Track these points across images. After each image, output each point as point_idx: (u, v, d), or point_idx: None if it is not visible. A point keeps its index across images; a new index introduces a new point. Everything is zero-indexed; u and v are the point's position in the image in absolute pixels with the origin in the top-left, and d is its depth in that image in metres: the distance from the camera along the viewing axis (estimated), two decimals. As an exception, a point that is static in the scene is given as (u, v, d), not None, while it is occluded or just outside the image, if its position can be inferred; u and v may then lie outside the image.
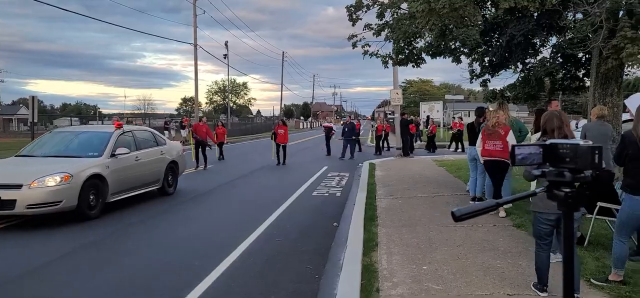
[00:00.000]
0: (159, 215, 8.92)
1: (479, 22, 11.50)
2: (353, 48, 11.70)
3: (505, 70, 12.99)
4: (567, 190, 1.04)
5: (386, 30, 11.34)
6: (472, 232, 6.67)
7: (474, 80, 13.73)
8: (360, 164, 17.05)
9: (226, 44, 47.43)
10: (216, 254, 6.19)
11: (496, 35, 12.46)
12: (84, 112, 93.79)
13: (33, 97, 19.72)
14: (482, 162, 8.10)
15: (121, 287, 5.18)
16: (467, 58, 13.26)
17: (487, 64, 13.01)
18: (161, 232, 7.71)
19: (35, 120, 20.04)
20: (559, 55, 11.75)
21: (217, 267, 5.72)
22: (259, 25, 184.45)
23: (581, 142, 0.98)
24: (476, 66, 13.43)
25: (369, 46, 11.87)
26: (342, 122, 31.92)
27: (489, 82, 13.59)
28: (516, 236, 6.52)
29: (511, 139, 7.64)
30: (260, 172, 15.89)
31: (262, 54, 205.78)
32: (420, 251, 5.92)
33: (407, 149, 20.14)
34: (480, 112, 9.27)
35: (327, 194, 11.21)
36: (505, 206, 7.88)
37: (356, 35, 11.68)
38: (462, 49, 12.32)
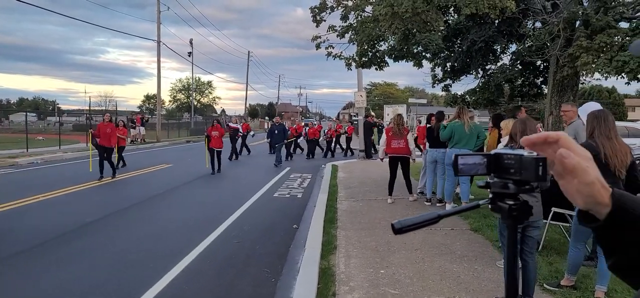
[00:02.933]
0: (112, 215, 8.61)
1: (442, 28, 11.65)
2: (317, 49, 11.67)
3: (466, 75, 13.25)
4: (511, 202, 0.98)
5: (350, 32, 11.35)
6: (429, 236, 6.70)
7: (436, 85, 13.93)
8: (323, 166, 17.01)
9: (191, 42, 46.65)
10: (171, 257, 6.01)
11: (458, 41, 12.68)
12: (42, 108, 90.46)
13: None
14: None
15: (70, 289, 4.93)
16: (430, 62, 13.44)
17: (448, 69, 13.23)
18: (114, 233, 7.43)
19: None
20: (518, 62, 12.05)
21: (171, 269, 5.55)
22: (227, 24, 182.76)
23: (525, 153, 0.92)
24: (438, 71, 13.64)
25: (333, 48, 11.86)
26: (269, 123, 29.24)
27: (451, 86, 13.82)
28: (473, 240, 6.59)
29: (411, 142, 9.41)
30: (222, 171, 15.63)
31: (228, 53, 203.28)
32: (379, 254, 5.90)
33: (369, 151, 20.23)
34: (441, 116, 9.40)
35: (288, 195, 11.10)
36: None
37: (320, 37, 11.65)
38: (424, 54, 12.46)
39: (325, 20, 11.54)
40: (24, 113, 39.36)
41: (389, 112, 38.29)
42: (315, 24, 11.52)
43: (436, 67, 13.58)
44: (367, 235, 6.85)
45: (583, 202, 0.86)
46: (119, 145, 15.32)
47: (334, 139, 23.38)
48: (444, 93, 15.03)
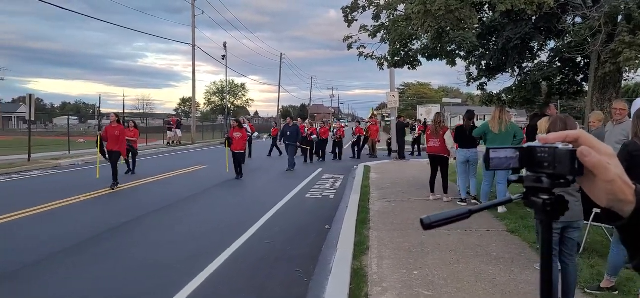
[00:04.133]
0: (145, 217, 8.79)
1: (476, 25, 11.42)
2: (348, 49, 11.64)
3: (502, 73, 12.94)
4: (545, 197, 0.93)
5: (382, 31, 11.27)
6: (464, 237, 6.57)
7: (470, 84, 13.69)
8: (355, 166, 16.94)
9: (225, 45, 47.34)
10: (204, 256, 6.08)
11: (493, 39, 12.40)
12: (83, 111, 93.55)
13: (30, 96, 19.59)
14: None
15: (105, 288, 5.06)
16: (464, 61, 13.20)
17: (483, 67, 12.96)
18: (147, 234, 7.59)
19: (33, 119, 19.92)
20: (557, 59, 11.69)
21: (205, 269, 5.61)
22: (260, 27, 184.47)
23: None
24: (473, 69, 13.39)
25: (365, 48, 11.80)
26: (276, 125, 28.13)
27: (486, 85, 13.54)
28: (509, 241, 6.42)
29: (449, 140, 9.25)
30: (254, 172, 15.77)
31: (261, 56, 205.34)
32: (412, 255, 5.81)
33: (403, 152, 20.03)
34: (471, 116, 9.27)
35: (320, 196, 11.10)
36: (500, 208, 7.87)
37: (352, 37, 11.62)
38: (458, 52, 12.24)
39: (356, 20, 11.52)
40: (67, 117, 40.85)
41: (423, 112, 37.94)
42: (347, 24, 11.50)
43: (471, 66, 13.35)
44: (400, 236, 6.76)
45: (605, 200, 0.84)
46: (131, 148, 14.38)
47: (361, 138, 22.98)
48: (479, 92, 14.75)
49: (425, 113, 36.99)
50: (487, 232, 6.87)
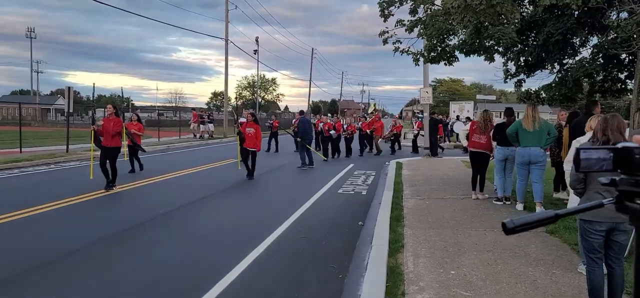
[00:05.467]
0: (182, 209, 8.91)
1: (516, 20, 11.11)
2: (384, 44, 11.47)
3: (541, 70, 12.56)
4: None
5: (419, 26, 11.07)
6: (501, 237, 6.41)
7: (508, 80, 13.34)
8: (387, 163, 16.80)
9: (256, 40, 47.67)
10: (240, 249, 6.11)
11: (533, 34, 12.05)
12: (117, 104, 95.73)
13: (69, 88, 20.16)
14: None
15: (143, 278, 5.14)
16: (502, 57, 12.88)
17: (522, 64, 12.62)
18: (185, 226, 7.68)
19: (71, 111, 20.49)
20: (600, 55, 11.28)
21: (241, 262, 5.63)
22: (292, 22, 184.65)
23: None
24: (511, 65, 13.04)
25: (400, 43, 11.61)
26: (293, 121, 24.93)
27: (524, 82, 13.19)
28: (549, 243, 6.23)
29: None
30: (285, 167, 15.81)
31: (293, 51, 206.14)
32: (448, 254, 5.71)
33: (435, 149, 19.75)
34: (510, 112, 9.05)
35: (352, 192, 11.04)
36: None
37: (387, 31, 11.45)
38: (496, 48, 11.93)
39: (393, 15, 11.34)
40: (103, 109, 41.94)
41: (455, 109, 37.32)
42: (382, 18, 11.33)
43: (509, 62, 13.00)
44: (435, 234, 6.65)
45: None
46: (134, 143, 13.04)
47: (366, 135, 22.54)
48: (513, 89, 14.39)
49: (458, 109, 36.41)
50: (525, 232, 6.68)
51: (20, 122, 22.42)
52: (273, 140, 22.33)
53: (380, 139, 21.94)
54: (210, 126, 31.27)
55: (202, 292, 4.67)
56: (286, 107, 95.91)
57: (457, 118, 32.94)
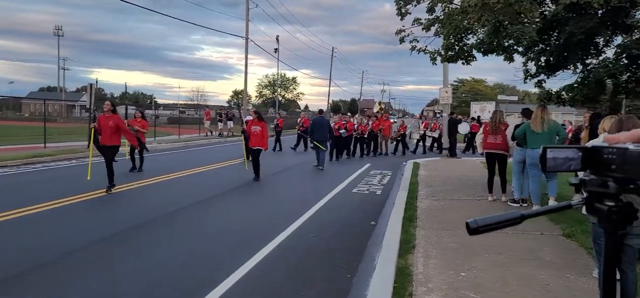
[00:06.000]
0: (194, 206, 8.98)
1: (536, 19, 10.90)
2: (400, 43, 11.39)
3: (563, 70, 12.30)
4: (611, 203, 0.82)
5: (436, 25, 10.96)
6: (515, 240, 6.29)
7: (528, 81, 13.11)
8: (404, 163, 16.68)
9: (277, 39, 47.87)
10: (248, 248, 6.11)
11: (555, 34, 11.80)
12: (141, 101, 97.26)
13: (91, 85, 20.57)
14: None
15: (149, 277, 5.19)
16: (522, 57, 12.65)
17: (543, 64, 12.37)
18: (192, 225, 7.74)
19: (94, 107, 20.87)
20: (624, 55, 10.99)
21: (248, 260, 5.63)
22: (314, 21, 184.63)
23: (631, 146, 0.76)
24: (531, 65, 12.80)
25: (417, 42, 11.50)
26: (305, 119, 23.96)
27: (545, 82, 12.94)
28: (565, 246, 6.10)
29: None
30: (301, 166, 15.82)
31: (313, 50, 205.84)
32: (459, 256, 5.63)
33: (454, 150, 19.54)
34: (528, 113, 8.91)
35: (367, 192, 10.98)
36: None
37: (404, 30, 11.36)
38: (516, 47, 11.72)
39: (410, 13, 11.25)
40: (125, 106, 42.62)
41: (476, 109, 36.84)
42: (399, 17, 11.26)
43: (529, 62, 12.76)
44: (448, 235, 6.57)
45: None
46: (139, 141, 12.61)
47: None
48: (537, 89, 14.12)
49: (479, 110, 35.94)
50: (540, 235, 6.55)
51: (45, 118, 22.91)
52: (278, 139, 21.75)
53: (388, 139, 21.66)
54: (230, 124, 31.50)
55: (208, 290, 4.67)
56: (306, 106, 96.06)
57: (473, 119, 32.46)
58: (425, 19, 11.07)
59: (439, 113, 36.20)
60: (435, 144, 22.78)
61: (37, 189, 9.98)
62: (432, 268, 5.22)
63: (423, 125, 23.84)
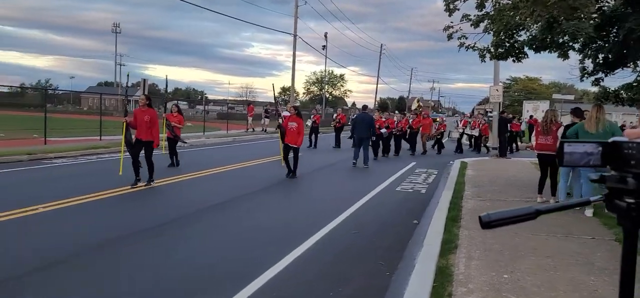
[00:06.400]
0: (239, 199, 9.17)
1: (594, 14, 10.43)
2: (448, 40, 11.18)
3: (622, 68, 11.72)
4: (631, 200, 0.79)
5: (485, 21, 10.68)
6: (565, 243, 6.06)
7: (584, 79, 12.59)
8: (451, 162, 16.37)
9: (325, 36, 48.03)
10: (289, 242, 6.17)
11: (613, 30, 11.25)
12: (192, 97, 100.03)
13: (144, 80, 21.33)
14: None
15: (188, 269, 5.36)
16: (578, 54, 12.13)
17: (600, 61, 11.83)
18: (239, 218, 7.91)
19: (126, 100, 21.62)
20: (688, 53, 10.34)
21: (288, 254, 5.68)
22: (363, 18, 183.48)
23: None
24: (588, 63, 12.26)
25: (466, 38, 11.25)
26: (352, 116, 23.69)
27: (602, 80, 12.37)
28: (617, 252, 5.75)
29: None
30: (341, 163, 15.81)
31: (362, 47, 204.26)
32: (503, 258, 5.48)
33: (504, 149, 18.98)
34: (578, 112, 8.56)
35: (411, 190, 10.86)
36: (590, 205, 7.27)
37: (452, 26, 11.13)
38: (571, 44, 11.25)
39: (458, 9, 11.02)
40: (177, 101, 44.13)
41: (529, 109, 35.68)
42: (448, 13, 11.04)
43: (586, 59, 12.22)
44: (493, 237, 6.40)
45: None
46: (174, 135, 12.71)
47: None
48: (595, 88, 13.51)
49: (532, 109, 34.79)
50: (591, 239, 6.28)
51: (101, 112, 23.98)
52: (314, 135, 21.20)
53: (428, 138, 21.09)
54: (266, 120, 31.79)
55: (248, 282, 4.77)
56: (353, 103, 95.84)
57: (513, 117, 31.31)
58: (474, 15, 10.82)
59: (489, 111, 35.26)
60: (475, 143, 22.22)
61: (87, 180, 10.45)
62: (473, 269, 5.11)
63: (462, 123, 23.09)
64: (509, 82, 77.53)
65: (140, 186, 9.60)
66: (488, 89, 20.45)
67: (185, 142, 13.66)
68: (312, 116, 22.75)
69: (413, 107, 32.27)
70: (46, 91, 46.92)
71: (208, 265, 5.31)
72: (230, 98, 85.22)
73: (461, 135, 22.34)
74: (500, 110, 20.10)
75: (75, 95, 78.17)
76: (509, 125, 22.15)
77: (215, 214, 7.83)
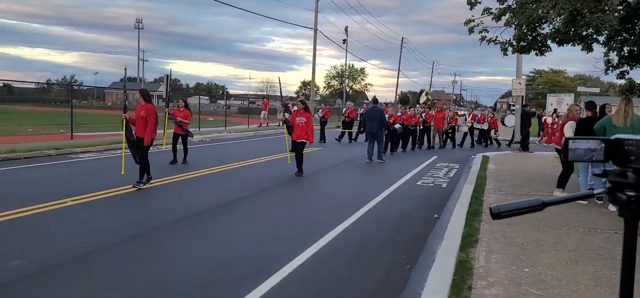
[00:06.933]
0: (261, 192, 9.31)
1: (619, 6, 10.25)
2: (469, 34, 11.11)
3: (648, 61, 11.50)
4: (631, 193, 0.86)
5: (507, 14, 10.58)
6: (587, 238, 6.03)
7: (609, 72, 12.39)
8: (472, 156, 16.27)
9: (346, 29, 47.96)
10: (309, 236, 6.28)
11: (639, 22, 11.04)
12: (214, 92, 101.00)
13: (167, 76, 21.63)
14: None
15: (208, 260, 5.51)
16: (603, 47, 11.93)
17: (626, 54, 11.63)
18: (258, 212, 8.04)
19: (170, 97, 22.00)
20: None
21: (309, 248, 5.77)
22: (385, 11, 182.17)
23: None
24: (613, 56, 12.06)
25: (487, 32, 11.17)
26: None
27: (628, 73, 12.17)
28: (642, 247, 5.76)
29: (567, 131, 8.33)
30: (360, 159, 15.85)
31: (383, 40, 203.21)
32: (525, 252, 5.49)
33: (526, 143, 18.77)
34: (592, 106, 8.47)
35: (432, 184, 10.87)
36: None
37: (474, 20, 11.06)
38: (595, 37, 11.07)
39: (480, 2, 10.94)
40: (198, 96, 44.60)
41: (553, 102, 35.09)
42: (469, 6, 10.97)
43: (610, 52, 12.02)
44: (513, 231, 6.41)
45: None
46: (182, 133, 12.39)
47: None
48: (621, 81, 13.27)
49: (556, 102, 34.22)
50: (614, 234, 6.23)
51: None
52: (322, 130, 21.08)
53: (442, 132, 20.86)
54: (263, 114, 31.74)
55: (273, 272, 4.90)
56: (374, 97, 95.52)
57: (554, 111, 30.79)
58: (496, 8, 10.73)
59: (512, 105, 34.77)
60: (484, 137, 21.93)
61: (107, 176, 10.69)
62: (494, 262, 5.14)
63: (470, 117, 22.59)
64: (532, 74, 76.31)
65: (150, 183, 9.22)
66: (511, 82, 20.20)
67: (192, 135, 13.46)
68: (320, 110, 23.06)
69: (422, 100, 31.51)
70: (72, 87, 47.79)
71: (234, 258, 5.46)
72: (251, 92, 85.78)
73: (470, 129, 22.07)
74: (523, 103, 19.85)
75: (100, 90, 79.64)
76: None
77: (238, 208, 8.00)
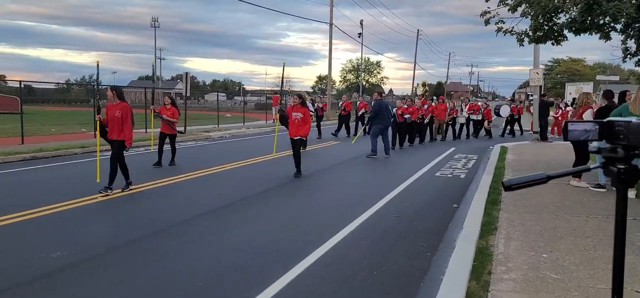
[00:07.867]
0: (279, 187, 9.54)
1: (637, -6, 10.20)
2: (485, 25, 11.18)
3: (667, 48, 11.41)
4: (621, 166, 1.05)
5: (523, 5, 10.63)
6: (605, 224, 6.13)
7: (627, 60, 12.31)
8: (491, 147, 16.31)
9: (361, 23, 47.95)
10: (331, 226, 6.48)
11: (658, 8, 10.96)
12: (230, 88, 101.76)
13: (186, 74, 22.05)
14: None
15: (248, 244, 5.75)
16: (621, 35, 11.87)
17: (644, 41, 11.55)
18: (283, 202, 8.27)
19: (188, 95, 22.42)
20: None
21: (331, 238, 5.98)
22: (399, 4, 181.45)
23: (634, 119, 0.99)
24: (631, 44, 12.00)
25: (503, 23, 11.22)
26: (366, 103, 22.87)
27: (646, 61, 12.08)
28: (660, 233, 5.85)
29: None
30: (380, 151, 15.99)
31: (398, 33, 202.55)
32: (543, 239, 5.62)
33: (545, 133, 18.70)
34: (609, 95, 8.47)
35: (450, 175, 10.99)
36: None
37: (489, 11, 11.13)
38: (612, 25, 11.04)
39: (495, -7, 11.01)
40: (216, 93, 45.09)
41: (572, 91, 34.66)
42: (484, -2, 11.04)
43: (628, 40, 11.95)
44: (532, 219, 6.53)
45: None
46: (169, 133, 11.64)
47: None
48: (639, 68, 13.18)
49: (575, 91, 33.80)
50: (633, 220, 6.31)
51: (146, 105, 24.94)
52: (343, 125, 20.97)
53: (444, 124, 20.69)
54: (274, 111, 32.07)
55: (300, 259, 5.15)
56: (391, 90, 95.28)
57: (512, 101, 30.37)
58: (511, 0, 10.78)
59: (530, 95, 34.43)
60: (474, 127, 21.78)
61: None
62: (513, 249, 5.28)
63: (467, 108, 22.13)
64: (551, 64, 75.36)
65: (129, 189, 8.64)
66: (528, 72, 20.11)
67: (183, 132, 12.99)
68: (341, 102, 22.39)
69: (419, 92, 30.44)
70: (94, 87, 48.68)
71: (264, 243, 5.70)
72: (267, 88, 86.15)
73: (467, 120, 21.88)
74: (541, 93, 19.76)
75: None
76: (509, 108, 21.97)
77: (269, 199, 8.24)
